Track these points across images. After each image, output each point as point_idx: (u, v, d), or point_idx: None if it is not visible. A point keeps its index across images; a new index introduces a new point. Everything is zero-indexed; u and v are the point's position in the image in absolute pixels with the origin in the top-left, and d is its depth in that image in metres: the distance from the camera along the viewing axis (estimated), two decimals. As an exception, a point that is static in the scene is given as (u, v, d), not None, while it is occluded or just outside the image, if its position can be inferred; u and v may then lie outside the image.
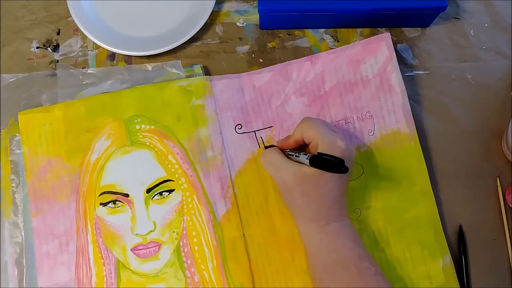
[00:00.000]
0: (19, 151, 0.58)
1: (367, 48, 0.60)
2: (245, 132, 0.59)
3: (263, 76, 0.60)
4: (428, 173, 0.57)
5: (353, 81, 0.59)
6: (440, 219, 0.56)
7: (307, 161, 0.48)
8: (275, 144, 0.58)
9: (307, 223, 0.51)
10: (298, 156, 0.50)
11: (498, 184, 0.58)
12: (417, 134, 0.58)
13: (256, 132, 0.59)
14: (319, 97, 0.59)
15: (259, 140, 0.58)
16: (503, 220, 0.57)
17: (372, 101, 0.59)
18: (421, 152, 0.57)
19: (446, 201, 0.58)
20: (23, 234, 0.56)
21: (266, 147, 0.58)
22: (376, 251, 0.56)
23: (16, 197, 0.57)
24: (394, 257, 0.55)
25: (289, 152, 0.53)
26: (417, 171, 0.57)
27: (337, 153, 0.47)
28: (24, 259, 0.56)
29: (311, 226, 0.50)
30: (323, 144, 0.49)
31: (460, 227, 0.57)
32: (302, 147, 0.54)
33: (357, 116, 0.59)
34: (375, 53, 0.60)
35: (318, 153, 0.47)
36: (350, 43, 0.62)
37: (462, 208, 0.58)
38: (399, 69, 0.59)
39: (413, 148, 0.58)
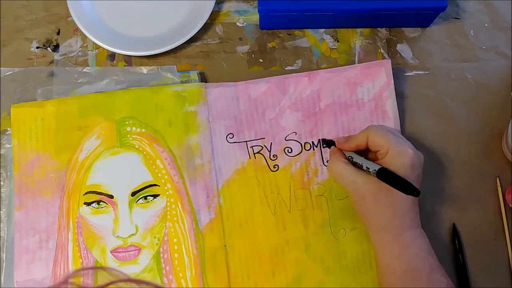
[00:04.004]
0: (9, 145, 0.58)
1: (366, 71, 0.59)
2: (236, 142, 0.58)
3: (260, 87, 0.59)
4: (428, 173, 0.57)
5: (349, 103, 0.59)
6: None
7: (373, 172, 0.49)
8: (333, 140, 0.57)
9: (381, 232, 0.51)
10: (361, 164, 0.51)
11: (498, 184, 0.58)
12: None
13: (247, 142, 0.58)
14: (314, 114, 0.59)
15: (250, 151, 0.58)
16: (503, 220, 0.57)
17: (365, 124, 0.58)
18: None
19: (446, 201, 0.58)
20: (5, 229, 0.56)
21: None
22: (358, 273, 0.55)
23: (2, 191, 0.57)
24: (375, 281, 0.54)
25: (353, 160, 0.53)
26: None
27: (407, 161, 0.49)
28: (4, 254, 0.55)
29: (385, 235, 0.50)
30: (393, 152, 0.50)
31: (454, 225, 0.56)
32: (360, 151, 0.54)
33: (349, 137, 0.58)
34: (373, 77, 0.59)
35: (382, 168, 0.48)
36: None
37: (461, 208, 0.58)
38: (395, 96, 0.59)
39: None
